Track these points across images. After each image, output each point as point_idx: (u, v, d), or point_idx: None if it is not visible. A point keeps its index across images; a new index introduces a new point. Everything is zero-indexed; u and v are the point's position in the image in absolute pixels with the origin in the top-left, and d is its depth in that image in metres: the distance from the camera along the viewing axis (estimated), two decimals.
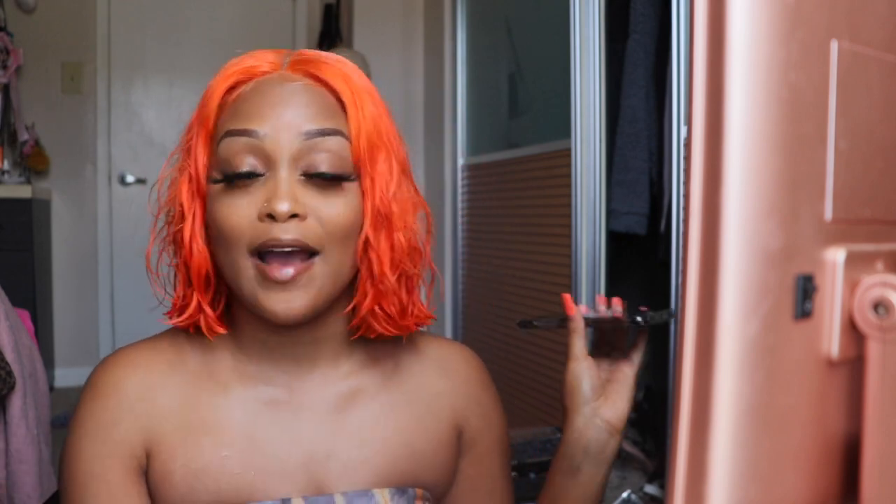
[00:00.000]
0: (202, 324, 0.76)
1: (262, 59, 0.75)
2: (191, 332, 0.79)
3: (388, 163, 0.75)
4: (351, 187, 0.73)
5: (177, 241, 0.76)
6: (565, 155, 2.25)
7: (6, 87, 3.57)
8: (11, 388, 1.47)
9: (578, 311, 0.83)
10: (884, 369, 0.37)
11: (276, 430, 0.78)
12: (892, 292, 0.37)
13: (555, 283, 2.33)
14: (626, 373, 0.84)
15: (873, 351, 0.37)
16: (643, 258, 2.26)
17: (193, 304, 0.76)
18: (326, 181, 0.72)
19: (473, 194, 3.03)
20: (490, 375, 0.90)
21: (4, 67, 3.55)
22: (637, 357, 0.84)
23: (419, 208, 0.79)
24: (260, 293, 0.71)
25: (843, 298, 0.38)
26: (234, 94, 0.74)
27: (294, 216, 0.70)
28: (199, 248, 0.74)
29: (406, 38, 3.58)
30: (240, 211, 0.71)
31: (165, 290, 0.79)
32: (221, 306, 0.79)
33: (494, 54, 2.87)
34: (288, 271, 0.70)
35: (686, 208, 0.35)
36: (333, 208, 0.72)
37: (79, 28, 3.91)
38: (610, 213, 2.13)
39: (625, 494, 1.98)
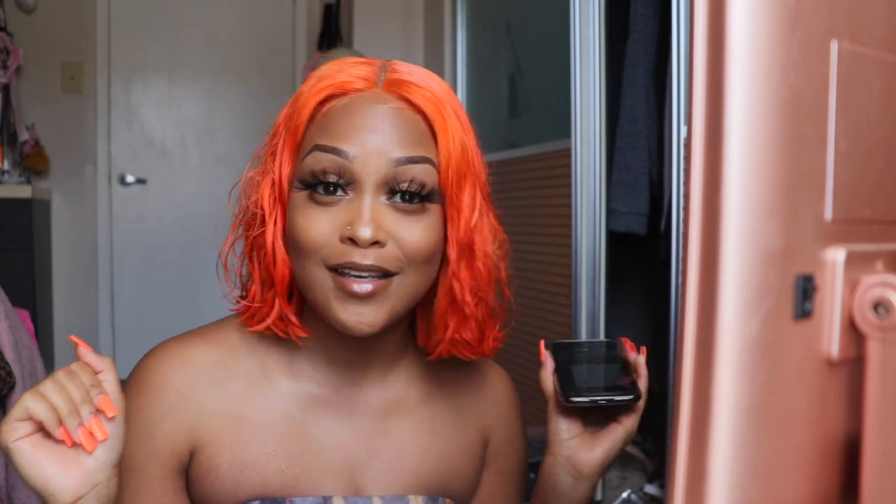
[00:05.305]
0: (290, 332, 0.77)
1: (356, 76, 0.74)
2: (246, 326, 0.79)
3: (473, 192, 0.75)
4: (433, 209, 0.74)
5: (256, 246, 0.77)
6: (565, 155, 2.24)
7: (6, 87, 3.57)
8: (11, 388, 1.47)
9: (548, 358, 0.83)
10: (884, 369, 0.37)
11: (324, 430, 0.80)
12: (892, 292, 0.37)
13: (555, 282, 2.33)
14: (618, 426, 0.81)
15: (873, 351, 0.37)
16: (643, 258, 2.26)
17: (275, 311, 0.76)
18: (410, 205, 0.72)
19: None
20: (520, 400, 0.92)
21: (4, 67, 3.55)
22: (629, 423, 0.82)
23: (498, 235, 0.80)
24: (335, 303, 0.71)
25: (843, 298, 0.38)
26: (326, 107, 0.73)
27: (375, 243, 0.70)
28: (281, 256, 0.74)
29: (406, 38, 3.58)
30: (320, 226, 0.71)
31: (240, 290, 0.80)
32: (301, 310, 0.79)
33: (494, 54, 2.87)
34: (366, 286, 0.70)
35: (686, 208, 0.35)
36: (414, 233, 0.72)
37: (79, 28, 3.91)
38: (610, 213, 2.13)
39: (625, 494, 1.98)
